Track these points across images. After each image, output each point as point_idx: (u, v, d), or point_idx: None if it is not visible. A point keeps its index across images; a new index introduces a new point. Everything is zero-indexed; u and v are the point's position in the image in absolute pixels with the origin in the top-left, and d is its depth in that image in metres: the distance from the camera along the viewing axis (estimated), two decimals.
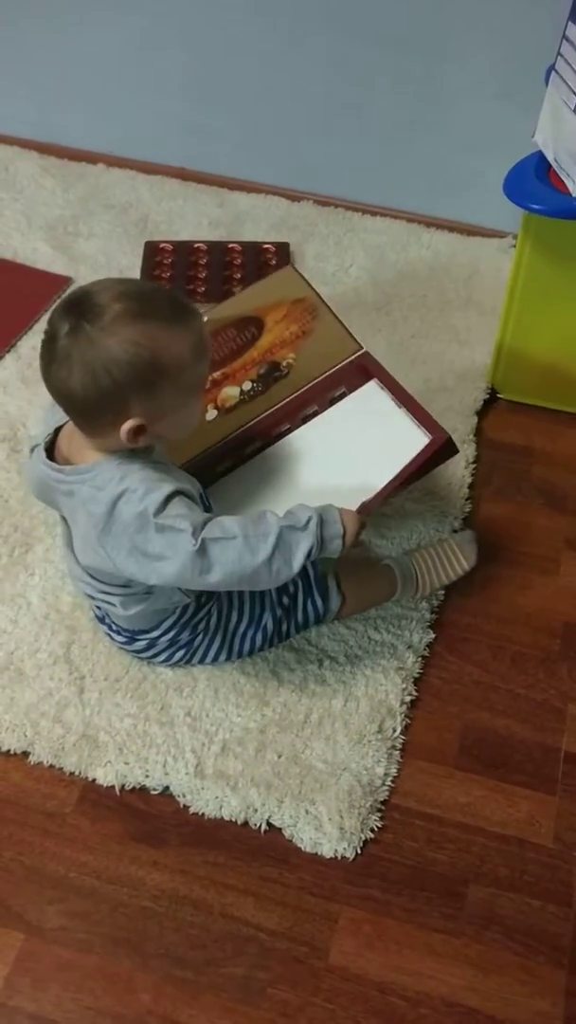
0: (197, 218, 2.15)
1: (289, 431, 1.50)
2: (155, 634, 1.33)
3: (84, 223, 2.12)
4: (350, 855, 1.25)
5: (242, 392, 1.48)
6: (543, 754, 1.36)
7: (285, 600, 1.38)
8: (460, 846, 1.27)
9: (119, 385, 1.09)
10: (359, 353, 1.52)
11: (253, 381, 1.49)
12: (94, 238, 2.09)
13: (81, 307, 1.08)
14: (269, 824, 1.27)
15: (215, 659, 1.38)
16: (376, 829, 1.27)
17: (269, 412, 1.48)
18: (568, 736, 1.38)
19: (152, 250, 2.04)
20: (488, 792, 1.32)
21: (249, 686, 1.38)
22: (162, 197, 2.20)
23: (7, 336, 1.85)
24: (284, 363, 1.50)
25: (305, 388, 1.50)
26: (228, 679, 1.39)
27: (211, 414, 1.46)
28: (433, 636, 1.46)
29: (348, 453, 1.44)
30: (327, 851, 1.24)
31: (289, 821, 1.26)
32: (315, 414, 1.51)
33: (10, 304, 1.92)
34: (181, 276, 1.98)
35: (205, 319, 1.39)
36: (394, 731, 1.35)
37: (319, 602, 1.40)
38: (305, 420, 1.50)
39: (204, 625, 1.34)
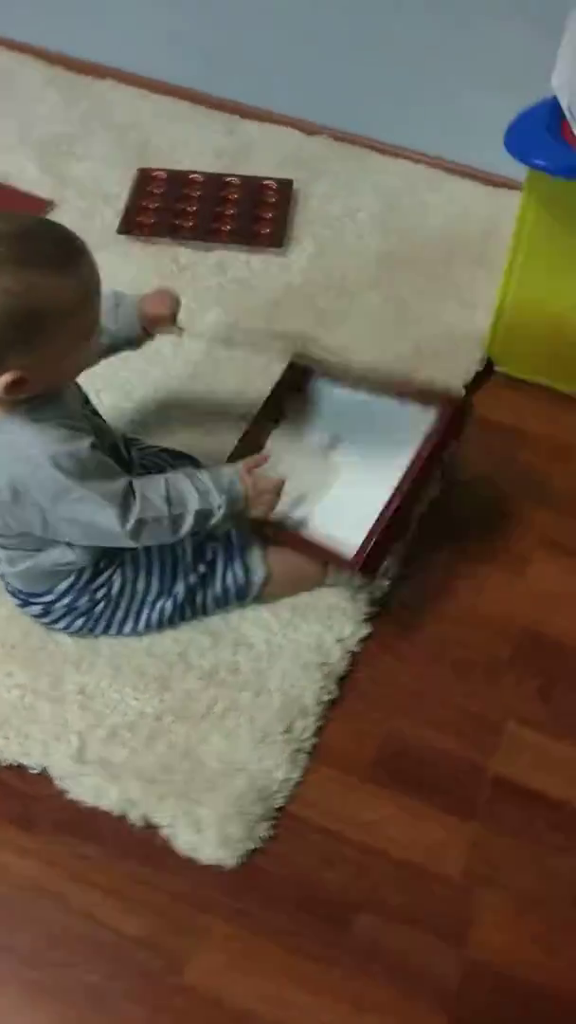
0: (201, 146, 1.98)
1: None
2: (49, 598, 1.22)
3: (80, 143, 1.98)
4: (230, 864, 1.14)
5: None
6: (468, 774, 1.22)
7: (201, 568, 1.26)
8: (356, 868, 1.15)
9: None
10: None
11: None
12: (88, 160, 1.94)
13: None
14: (147, 821, 1.17)
15: (119, 630, 1.27)
16: (265, 839, 1.16)
17: None
18: (500, 757, 1.24)
19: (144, 177, 1.89)
20: (398, 811, 1.19)
21: (154, 668, 1.27)
22: (168, 120, 2.04)
23: None
24: None
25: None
26: (133, 658, 1.28)
27: None
28: (369, 631, 1.33)
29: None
30: (205, 857, 1.13)
31: (168, 820, 1.15)
32: None
33: None
34: (169, 209, 1.83)
35: None
36: (304, 732, 1.22)
37: (240, 573, 1.28)
38: None
39: (105, 592, 1.23)
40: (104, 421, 1.25)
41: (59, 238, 1.02)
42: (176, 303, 1.29)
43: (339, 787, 1.21)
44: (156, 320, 1.28)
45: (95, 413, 1.24)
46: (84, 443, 1.09)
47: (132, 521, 1.11)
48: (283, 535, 1.29)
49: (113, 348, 1.28)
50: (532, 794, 1.21)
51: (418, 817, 1.19)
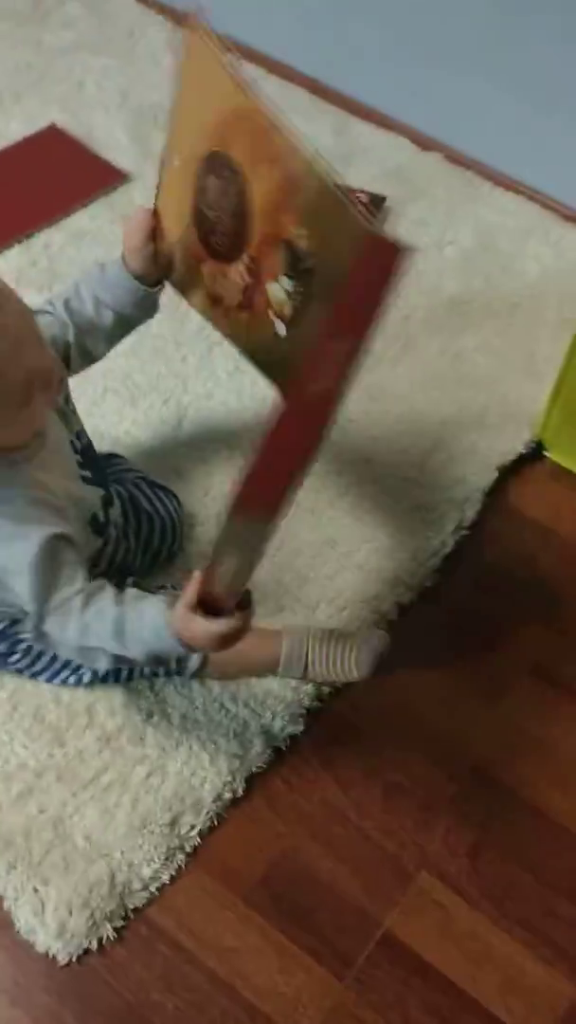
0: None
1: None
2: None
3: None
4: (62, 960, 1.03)
5: (287, 294, 1.01)
6: (357, 924, 1.07)
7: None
8: (196, 999, 1.02)
9: None
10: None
11: (288, 276, 1.00)
12: None
13: None
14: None
15: (34, 677, 1.16)
16: (109, 940, 1.04)
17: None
18: (400, 912, 1.08)
19: None
20: (266, 945, 1.05)
21: (54, 716, 1.16)
22: (279, 108, 1.89)
23: (26, 223, 1.64)
24: (302, 247, 0.97)
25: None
26: (35, 700, 1.17)
27: (280, 327, 1.04)
28: (301, 729, 1.18)
29: None
30: (39, 944, 1.03)
31: (12, 893, 1.05)
32: None
33: (49, 188, 1.70)
34: None
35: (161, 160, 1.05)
36: (190, 831, 1.09)
37: (172, 661, 1.15)
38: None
39: (26, 647, 1.13)
40: (92, 476, 1.09)
41: None
42: (146, 217, 1.09)
43: (211, 901, 1.07)
44: (136, 251, 1.08)
45: (88, 465, 1.08)
46: (39, 533, 0.94)
47: (54, 630, 0.98)
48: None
49: (124, 323, 1.12)
50: (419, 965, 1.04)
51: (285, 958, 1.04)
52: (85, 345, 1.11)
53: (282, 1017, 1.01)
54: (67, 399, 1.08)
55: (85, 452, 1.09)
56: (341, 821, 1.13)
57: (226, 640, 0.92)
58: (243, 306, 1.08)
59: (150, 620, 0.94)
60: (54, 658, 1.14)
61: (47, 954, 1.02)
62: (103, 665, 1.00)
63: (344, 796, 1.15)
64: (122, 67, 1.95)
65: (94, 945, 1.03)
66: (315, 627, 1.19)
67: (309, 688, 1.19)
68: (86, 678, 1.15)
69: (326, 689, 1.20)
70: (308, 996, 1.03)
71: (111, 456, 1.29)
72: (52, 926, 1.03)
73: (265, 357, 1.10)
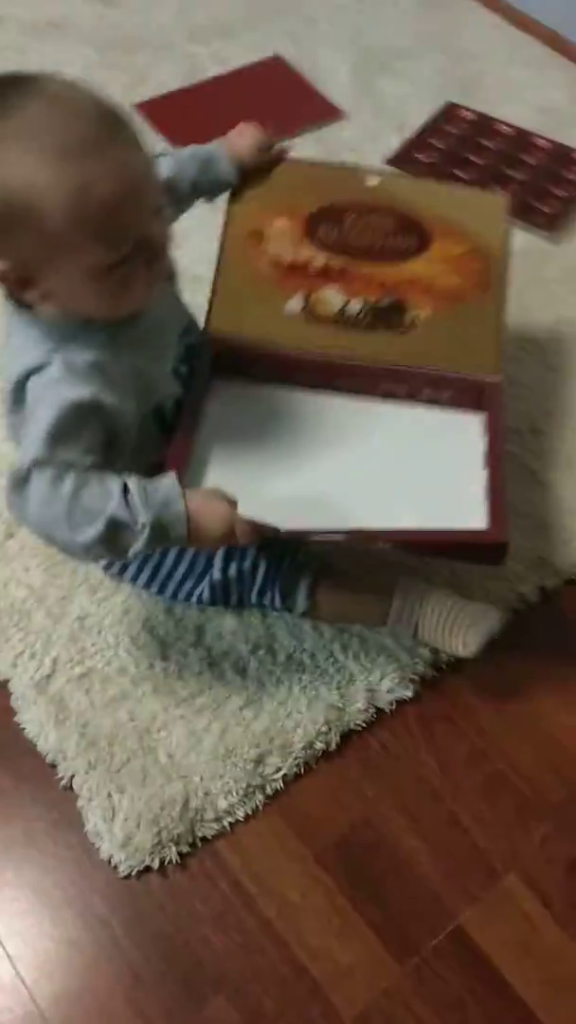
0: (532, 96, 1.73)
1: (356, 395, 1.13)
2: None
3: (408, 60, 1.78)
4: (123, 871, 1.00)
5: (343, 312, 1.12)
6: (429, 910, 0.99)
7: (232, 570, 1.08)
8: (247, 945, 0.97)
9: None
10: (492, 379, 1.10)
11: (364, 308, 1.12)
12: (402, 79, 1.75)
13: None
14: (72, 783, 1.05)
15: (145, 587, 1.13)
16: (171, 863, 1.01)
17: (356, 362, 1.11)
18: (478, 911, 0.99)
19: (449, 114, 1.67)
20: (328, 907, 0.99)
21: (162, 629, 1.13)
22: (512, 60, 1.79)
23: None
24: (411, 316, 1.11)
25: (410, 367, 1.11)
26: (148, 610, 1.15)
27: (295, 304, 1.12)
28: (409, 695, 1.11)
29: (393, 466, 1.07)
30: (104, 850, 1.01)
31: (87, 793, 1.03)
32: (396, 397, 1.13)
33: (262, 114, 1.65)
34: (455, 154, 1.60)
35: (374, 182, 1.13)
36: (275, 772, 1.05)
37: (276, 598, 1.09)
38: (384, 396, 1.13)
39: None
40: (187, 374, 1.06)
41: (101, 126, 0.82)
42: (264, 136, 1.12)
43: (281, 850, 1.02)
44: (245, 153, 1.12)
45: (188, 363, 1.05)
46: (87, 389, 0.89)
47: (27, 466, 0.88)
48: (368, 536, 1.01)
49: (188, 200, 1.12)
50: (490, 974, 0.96)
51: (345, 926, 0.98)
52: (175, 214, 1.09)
53: (330, 985, 0.95)
54: (171, 277, 1.05)
55: (190, 350, 1.05)
56: (433, 799, 1.06)
57: (230, 534, 0.91)
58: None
59: (165, 487, 0.89)
60: (171, 571, 1.11)
61: (109, 861, 1.00)
62: (87, 536, 0.87)
63: (441, 775, 1.07)
64: (359, 7, 1.90)
65: (156, 864, 1.00)
66: (434, 589, 1.11)
67: (425, 653, 1.11)
68: (196, 594, 1.11)
69: (444, 658, 1.12)
70: (361, 972, 0.96)
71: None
72: (119, 835, 1.00)
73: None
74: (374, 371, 1.11)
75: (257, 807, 1.04)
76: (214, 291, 1.13)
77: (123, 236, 0.85)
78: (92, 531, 0.88)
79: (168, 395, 1.03)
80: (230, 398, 1.10)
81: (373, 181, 1.15)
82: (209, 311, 1.12)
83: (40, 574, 1.17)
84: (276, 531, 0.94)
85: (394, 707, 1.10)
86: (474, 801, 1.06)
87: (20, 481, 0.89)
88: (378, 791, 1.06)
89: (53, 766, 1.06)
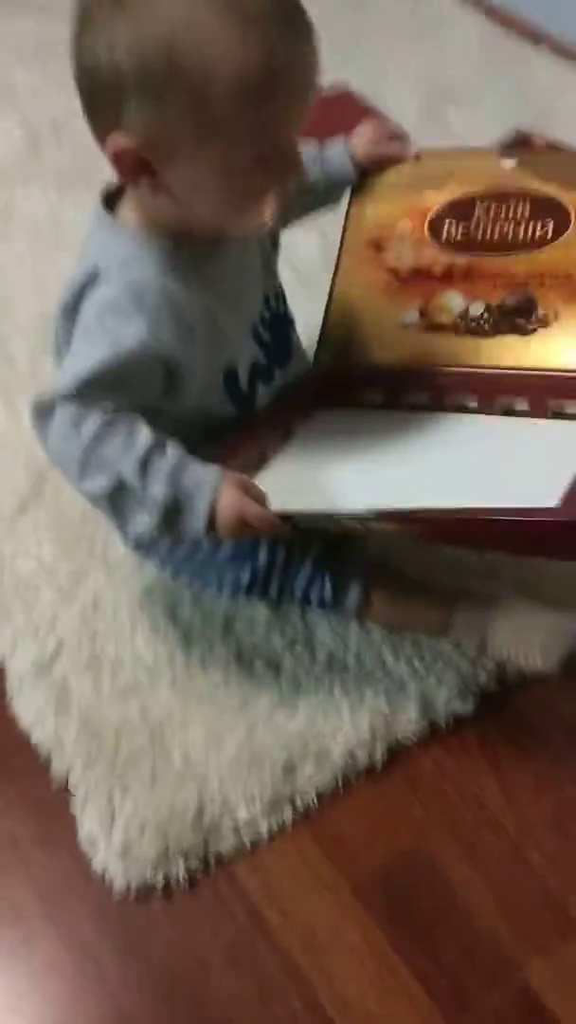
0: None
1: (471, 411, 0.97)
2: None
3: (476, 92, 1.74)
4: (119, 886, 0.83)
5: (465, 316, 0.97)
6: (488, 960, 0.81)
7: (280, 552, 0.94)
8: (262, 987, 0.79)
9: (118, 73, 0.73)
10: None
11: (489, 310, 0.97)
12: (469, 111, 1.69)
13: None
14: (67, 780, 0.89)
15: (174, 575, 1.00)
16: (178, 881, 0.84)
17: (476, 370, 0.96)
18: (548, 964, 0.80)
19: (518, 141, 1.61)
20: (364, 948, 0.81)
21: (187, 617, 0.99)
22: None
23: None
24: (543, 312, 0.96)
25: (539, 372, 0.94)
26: (173, 596, 1.01)
27: (412, 315, 0.99)
28: (470, 709, 0.95)
29: (476, 470, 0.88)
30: (97, 861, 0.84)
31: (83, 791, 0.87)
32: (520, 413, 0.95)
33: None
34: None
35: (511, 163, 0.99)
36: (307, 783, 0.88)
37: (327, 589, 0.95)
38: (505, 413, 0.96)
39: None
40: (268, 342, 0.94)
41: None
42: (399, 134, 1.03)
43: (311, 875, 0.85)
44: (370, 156, 1.02)
45: (273, 333, 0.94)
46: (148, 334, 0.80)
47: (52, 399, 0.79)
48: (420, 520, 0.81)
49: (316, 199, 1.03)
50: None
51: (385, 973, 0.80)
52: (295, 213, 1.00)
53: None
54: (275, 243, 0.96)
55: (277, 319, 0.95)
56: (495, 829, 0.88)
57: (241, 533, 0.79)
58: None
59: (204, 472, 0.78)
60: (213, 551, 0.97)
61: (103, 876, 0.84)
62: (92, 488, 0.78)
63: (505, 801, 0.90)
64: (429, 48, 1.87)
65: (159, 881, 0.83)
66: (506, 596, 0.97)
67: (490, 664, 0.96)
68: (228, 587, 0.97)
69: (511, 673, 0.96)
70: None
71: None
72: (117, 843, 0.84)
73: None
74: (488, 381, 0.95)
75: (284, 823, 0.87)
76: (326, 316, 1.01)
77: (282, 131, 0.77)
78: (97, 484, 0.78)
79: (244, 359, 0.92)
80: (326, 424, 0.98)
81: (510, 163, 1.00)
82: (320, 338, 1.00)
83: (52, 548, 1.04)
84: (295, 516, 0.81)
85: (451, 722, 0.94)
86: (543, 835, 0.88)
87: (43, 410, 0.80)
88: (429, 816, 0.89)
89: (48, 764, 0.90)
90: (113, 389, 0.80)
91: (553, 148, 1.01)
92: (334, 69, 1.77)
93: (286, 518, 0.81)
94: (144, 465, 0.78)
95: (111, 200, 0.87)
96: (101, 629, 0.97)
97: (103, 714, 0.91)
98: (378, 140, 1.02)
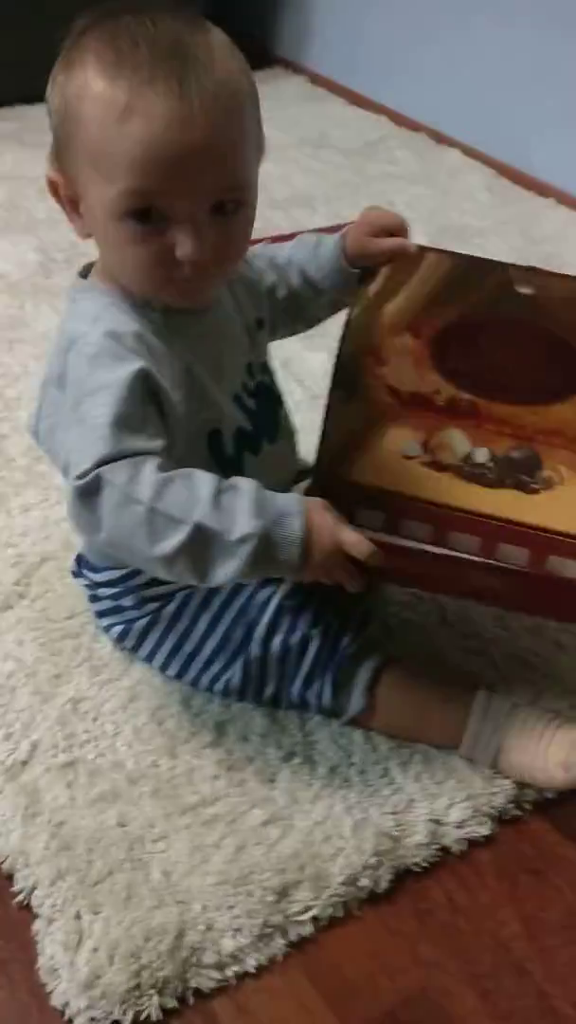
0: None
1: (471, 552, 0.91)
2: (97, 577, 0.92)
3: (484, 238, 1.78)
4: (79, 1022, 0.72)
5: (468, 460, 0.92)
6: None
7: (276, 645, 0.87)
8: None
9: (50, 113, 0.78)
10: None
11: (494, 459, 0.92)
12: (479, 246, 1.72)
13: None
14: (29, 899, 0.79)
15: (163, 667, 0.92)
16: (147, 1020, 0.72)
17: (479, 517, 0.91)
18: None
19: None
20: None
21: (174, 722, 0.90)
22: None
23: None
24: (547, 473, 0.91)
25: (538, 528, 0.89)
26: (159, 698, 0.92)
27: (411, 446, 0.94)
28: (485, 833, 0.85)
29: None
30: (56, 994, 0.72)
31: (48, 911, 0.77)
32: (519, 563, 0.90)
33: None
34: None
35: (527, 290, 0.89)
36: (304, 911, 0.78)
37: (326, 690, 0.88)
38: (504, 559, 0.90)
39: (157, 607, 0.90)
40: (252, 409, 0.91)
41: (168, 45, 0.73)
42: (398, 225, 0.92)
43: (304, 1021, 0.74)
44: (364, 250, 0.92)
45: (256, 400, 0.91)
46: (142, 363, 0.76)
47: (93, 474, 0.73)
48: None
49: (330, 302, 0.98)
50: None
51: None
52: (295, 313, 0.97)
53: None
54: (260, 324, 0.93)
55: (262, 390, 0.92)
56: (517, 973, 0.77)
57: (335, 561, 0.75)
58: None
59: (284, 498, 0.75)
60: (198, 646, 0.90)
61: (63, 1012, 0.72)
62: (167, 548, 0.71)
63: (527, 941, 0.79)
64: (435, 195, 1.93)
65: (128, 1017, 0.71)
66: (521, 706, 0.89)
67: (507, 784, 0.87)
68: (224, 680, 0.89)
69: (530, 795, 0.87)
70: None
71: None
72: (83, 971, 0.72)
73: None
74: (492, 529, 0.90)
75: (275, 956, 0.76)
76: (325, 421, 0.94)
77: (149, 181, 0.73)
78: (172, 542, 0.72)
79: (228, 422, 0.88)
80: None
81: (526, 288, 0.91)
82: (320, 445, 0.94)
83: (35, 649, 0.96)
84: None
85: (464, 848, 0.84)
86: (573, 981, 0.77)
87: (90, 490, 0.73)
88: (440, 954, 0.78)
89: (9, 877, 0.80)
90: (140, 429, 0.75)
91: (570, 279, 0.94)
92: (343, 211, 1.85)
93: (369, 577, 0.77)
94: (218, 505, 0.73)
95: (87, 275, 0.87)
96: (79, 732, 0.89)
97: (76, 824, 0.81)
98: (374, 232, 0.92)
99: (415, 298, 0.93)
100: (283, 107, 2.19)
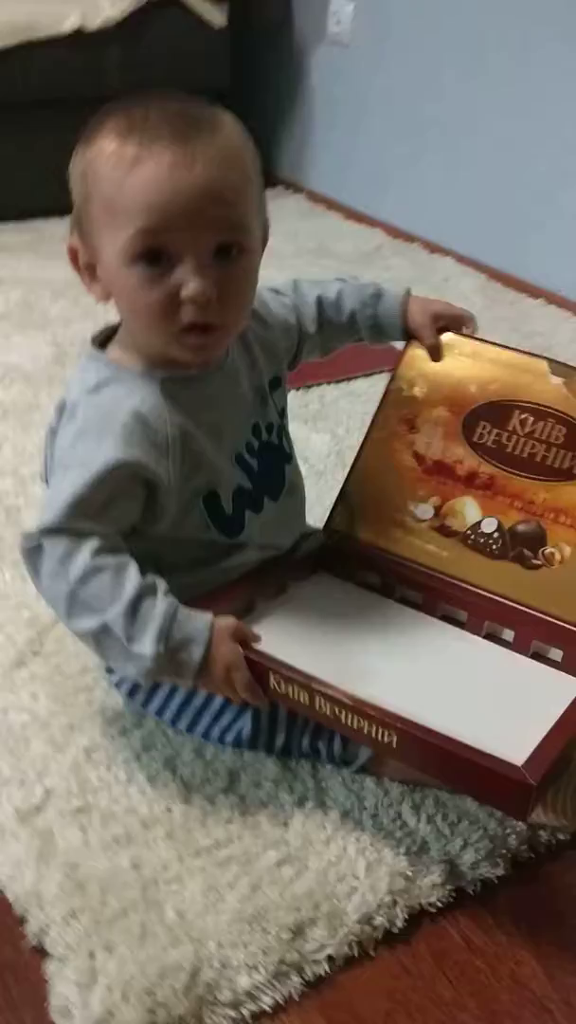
0: None
1: (458, 623, 0.96)
2: None
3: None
4: None
5: (476, 529, 0.96)
6: None
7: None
8: None
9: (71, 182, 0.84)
10: None
11: (500, 530, 0.95)
12: None
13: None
14: (41, 941, 0.78)
15: (174, 721, 0.93)
16: None
17: (472, 588, 0.95)
18: None
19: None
20: None
21: (187, 770, 0.90)
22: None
23: (309, 377, 1.63)
24: (549, 550, 0.94)
25: (532, 610, 0.92)
26: (172, 748, 0.93)
27: (426, 510, 0.98)
28: (500, 873, 0.84)
29: (454, 692, 0.86)
30: None
31: (61, 950, 0.76)
32: (503, 642, 0.94)
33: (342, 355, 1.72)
34: None
35: (559, 381, 0.96)
36: (319, 949, 0.77)
37: (335, 744, 0.90)
38: (488, 636, 0.94)
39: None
40: (254, 469, 0.93)
41: (177, 112, 0.80)
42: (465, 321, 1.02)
43: None
44: (419, 329, 1.00)
45: (261, 459, 0.94)
46: (127, 451, 0.81)
47: (38, 539, 0.80)
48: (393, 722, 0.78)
49: (355, 324, 1.02)
50: None
51: None
52: (319, 345, 1.03)
53: None
54: (275, 383, 0.96)
55: (268, 448, 0.95)
56: (538, 1012, 0.76)
57: (228, 689, 0.82)
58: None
59: (197, 626, 0.80)
60: (207, 700, 0.91)
61: None
62: (79, 628, 0.80)
63: (547, 981, 0.78)
64: (432, 294, 2.02)
65: None
66: None
67: (521, 827, 0.86)
68: (235, 731, 0.90)
69: (543, 837, 0.87)
70: None
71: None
72: (96, 1010, 0.71)
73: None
74: (483, 603, 0.94)
75: (291, 995, 0.75)
76: (347, 482, 1.02)
77: (155, 219, 0.77)
78: (85, 625, 0.80)
79: (226, 483, 0.90)
80: (322, 589, 0.97)
81: (557, 380, 0.97)
82: (336, 503, 1.01)
83: (47, 702, 0.97)
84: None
85: (479, 888, 0.84)
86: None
87: (31, 547, 0.81)
88: (459, 994, 0.77)
89: (22, 921, 0.79)
90: (95, 517, 0.80)
91: None
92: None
93: (267, 693, 0.82)
94: (133, 612, 0.79)
95: (105, 343, 0.90)
96: (93, 779, 0.89)
97: (89, 865, 0.81)
98: (437, 317, 1.01)
99: (455, 378, 0.99)
100: (284, 221, 2.31)
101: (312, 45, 2.49)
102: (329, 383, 1.66)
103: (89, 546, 0.79)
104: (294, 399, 1.59)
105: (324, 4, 2.41)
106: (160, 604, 0.79)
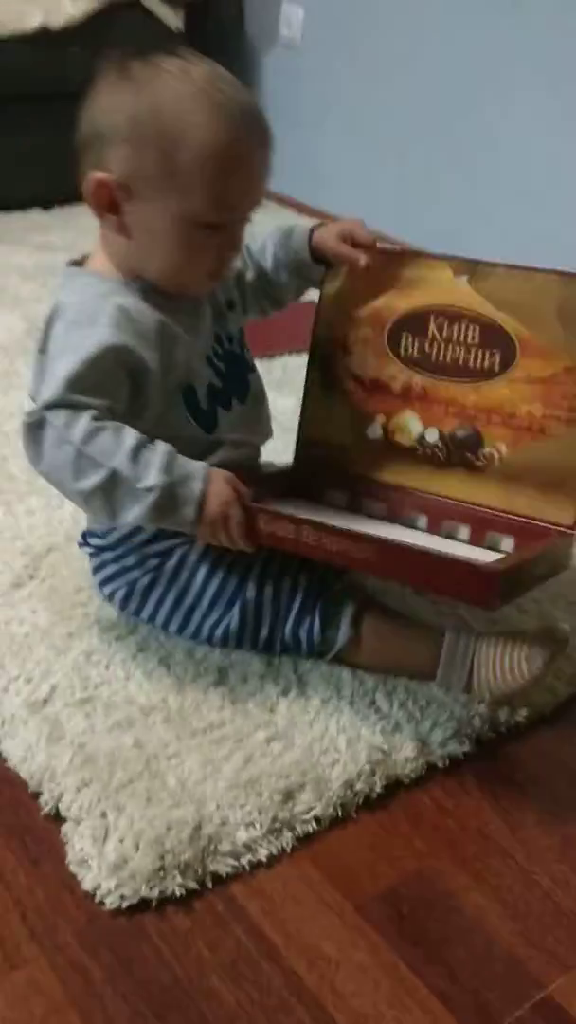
0: None
1: (420, 529, 1.05)
2: (102, 542, 1.02)
3: None
4: (110, 903, 0.78)
5: (422, 441, 1.04)
6: (508, 976, 0.75)
7: (268, 591, 0.98)
8: (267, 1002, 0.72)
9: (113, 126, 0.89)
10: (566, 529, 0.98)
11: (442, 438, 1.03)
12: None
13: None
14: (57, 809, 0.85)
15: (166, 623, 1.01)
16: (174, 898, 0.79)
17: (428, 495, 1.04)
18: (571, 983, 0.76)
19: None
20: (375, 966, 0.75)
21: (180, 668, 0.99)
22: None
23: (274, 345, 1.73)
24: (488, 451, 1.01)
25: (483, 507, 1.01)
26: (165, 649, 1.01)
27: (375, 430, 1.06)
28: (466, 749, 0.94)
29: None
30: (90, 878, 0.79)
31: (75, 812, 0.83)
32: (461, 540, 1.02)
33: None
34: None
35: (463, 280, 1.00)
36: (307, 811, 0.85)
37: (315, 627, 0.98)
38: (448, 536, 1.03)
39: (158, 564, 1.00)
40: (222, 370, 1.02)
41: (258, 111, 0.92)
42: (367, 241, 1.05)
43: (313, 898, 0.80)
44: (325, 248, 1.05)
45: (226, 364, 1.03)
46: (114, 336, 0.89)
47: (40, 413, 0.87)
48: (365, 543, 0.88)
49: (297, 286, 1.10)
50: None
51: (400, 990, 0.74)
52: (263, 293, 1.10)
53: None
54: (230, 305, 1.06)
55: (231, 356, 1.04)
56: (502, 856, 0.85)
57: (223, 525, 0.89)
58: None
59: (194, 464, 0.89)
60: (198, 597, 0.99)
61: (93, 894, 0.78)
62: (86, 485, 0.86)
63: (510, 834, 0.87)
64: None
65: (154, 896, 0.78)
66: (488, 631, 0.99)
67: (482, 710, 0.96)
68: (223, 626, 0.99)
69: (503, 718, 0.97)
70: None
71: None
72: (110, 858, 0.79)
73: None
74: (440, 506, 1.03)
75: (284, 848, 0.83)
76: (304, 407, 1.11)
77: (226, 205, 0.91)
78: (91, 480, 0.86)
79: (201, 379, 1.00)
80: (295, 508, 1.01)
81: (462, 279, 1.01)
82: (298, 431, 1.11)
83: (48, 615, 1.04)
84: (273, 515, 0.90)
85: (447, 763, 0.93)
86: (552, 862, 0.85)
87: (34, 426, 0.88)
88: (433, 846, 0.86)
89: (36, 795, 0.86)
90: (91, 391, 0.88)
91: (506, 267, 1.01)
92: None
93: (256, 539, 0.90)
94: (135, 457, 0.86)
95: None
96: (94, 677, 0.97)
97: (96, 745, 0.89)
98: (343, 237, 1.05)
99: (373, 293, 1.06)
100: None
101: (265, 48, 2.61)
102: (291, 353, 1.76)
103: (88, 414, 0.86)
104: (260, 368, 1.68)
105: (276, 8, 2.53)
106: (160, 446, 0.88)
